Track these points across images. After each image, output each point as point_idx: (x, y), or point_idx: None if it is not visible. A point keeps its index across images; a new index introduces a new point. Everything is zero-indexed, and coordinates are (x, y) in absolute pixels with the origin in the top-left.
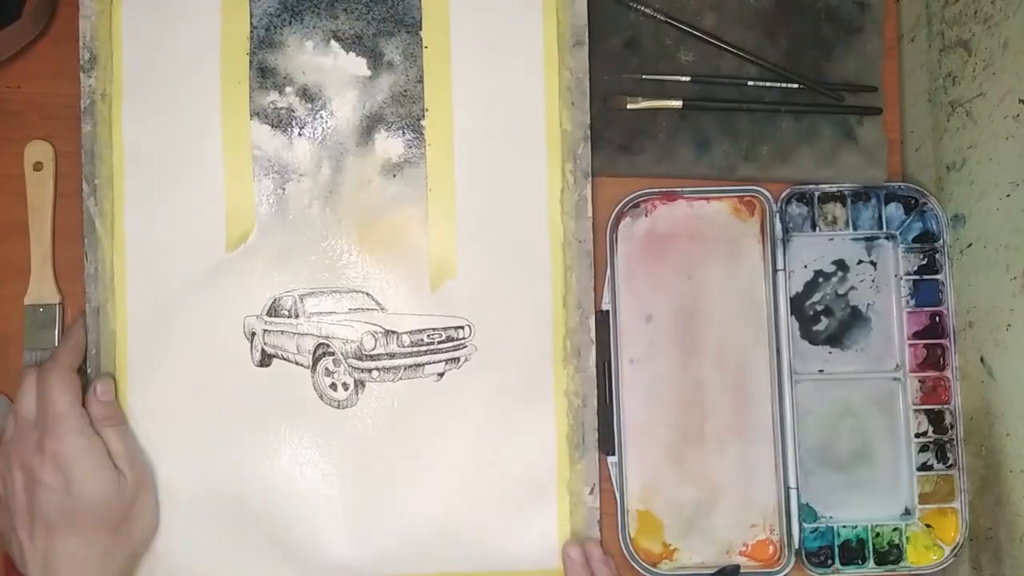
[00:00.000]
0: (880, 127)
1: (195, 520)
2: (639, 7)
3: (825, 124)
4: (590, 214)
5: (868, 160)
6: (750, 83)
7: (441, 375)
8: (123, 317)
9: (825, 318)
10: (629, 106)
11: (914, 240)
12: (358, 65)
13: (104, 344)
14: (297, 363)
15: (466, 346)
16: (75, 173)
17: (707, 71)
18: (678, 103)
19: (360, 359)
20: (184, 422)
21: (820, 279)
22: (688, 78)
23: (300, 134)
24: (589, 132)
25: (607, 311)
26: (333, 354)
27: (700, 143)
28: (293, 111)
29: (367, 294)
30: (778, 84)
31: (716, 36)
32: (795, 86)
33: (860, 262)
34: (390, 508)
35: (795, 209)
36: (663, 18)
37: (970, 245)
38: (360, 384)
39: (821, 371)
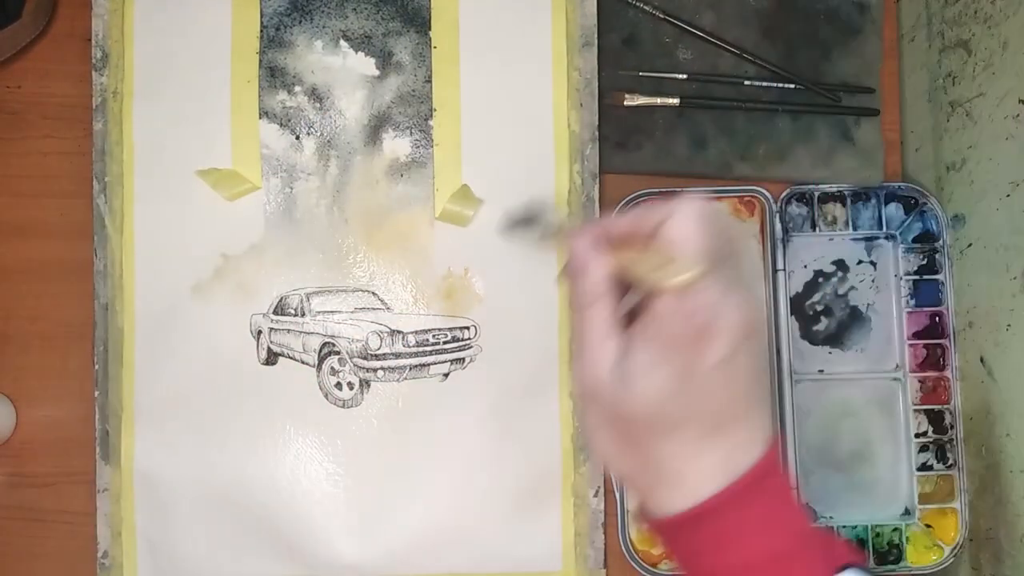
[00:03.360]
0: (877, 129)
1: (200, 517)
2: (638, 4)
3: (822, 124)
4: (597, 216)
5: (864, 161)
6: (747, 82)
7: (446, 375)
8: (131, 314)
9: (825, 318)
10: (627, 103)
11: (914, 240)
12: (367, 65)
13: (112, 341)
14: (303, 362)
15: (471, 347)
16: (75, 173)
17: (705, 69)
18: (675, 100)
19: (365, 358)
20: (190, 419)
21: (820, 279)
22: (686, 76)
23: (308, 133)
24: (597, 133)
25: None
26: (339, 353)
27: (697, 141)
28: (302, 110)
29: (373, 293)
30: (776, 84)
31: (715, 35)
32: (793, 86)
33: (860, 262)
34: (394, 508)
35: (795, 209)
36: (662, 16)
37: (970, 245)
38: (365, 384)
39: (821, 371)
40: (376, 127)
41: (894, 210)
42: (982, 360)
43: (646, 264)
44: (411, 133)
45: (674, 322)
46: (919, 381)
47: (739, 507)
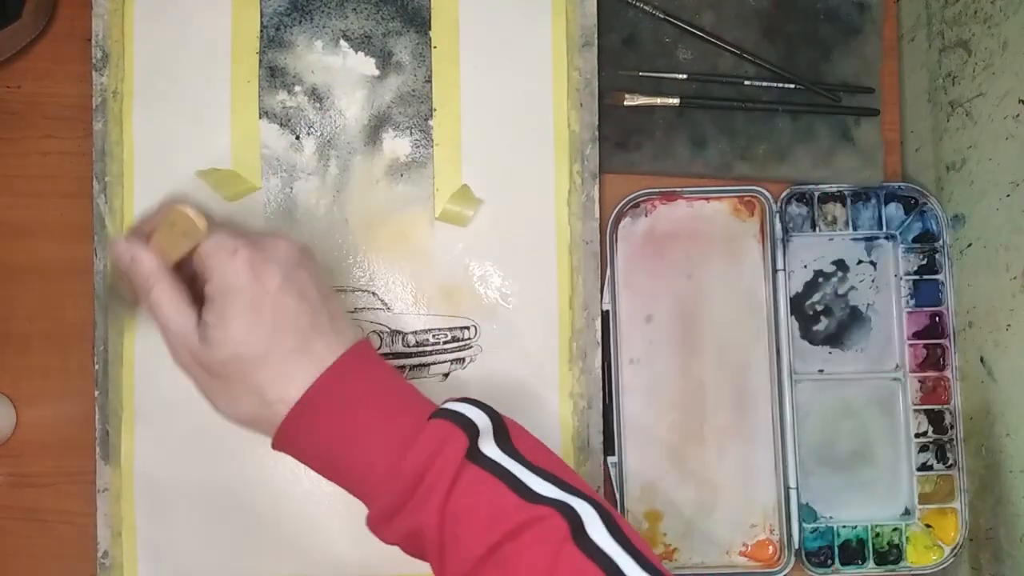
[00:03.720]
0: (877, 129)
1: (200, 517)
2: (638, 4)
3: (822, 124)
4: (597, 215)
5: (864, 161)
6: (747, 82)
7: (446, 375)
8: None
9: (825, 318)
10: (627, 103)
11: (914, 240)
12: (367, 65)
13: (112, 341)
14: None
15: (471, 346)
16: (75, 173)
17: (705, 69)
18: (675, 100)
19: None
20: (190, 420)
21: (820, 279)
22: (686, 76)
23: (308, 133)
24: (597, 133)
25: (607, 311)
26: None
27: (697, 141)
28: (302, 110)
29: (373, 293)
30: (776, 84)
31: (714, 35)
32: (792, 86)
33: (860, 262)
34: None
35: (795, 209)
36: (662, 16)
37: (970, 245)
38: None
39: (821, 371)
40: (376, 127)
41: (894, 210)
42: (982, 360)
43: (166, 237)
44: (411, 133)
45: (223, 269)
46: (919, 381)
47: (329, 394)
